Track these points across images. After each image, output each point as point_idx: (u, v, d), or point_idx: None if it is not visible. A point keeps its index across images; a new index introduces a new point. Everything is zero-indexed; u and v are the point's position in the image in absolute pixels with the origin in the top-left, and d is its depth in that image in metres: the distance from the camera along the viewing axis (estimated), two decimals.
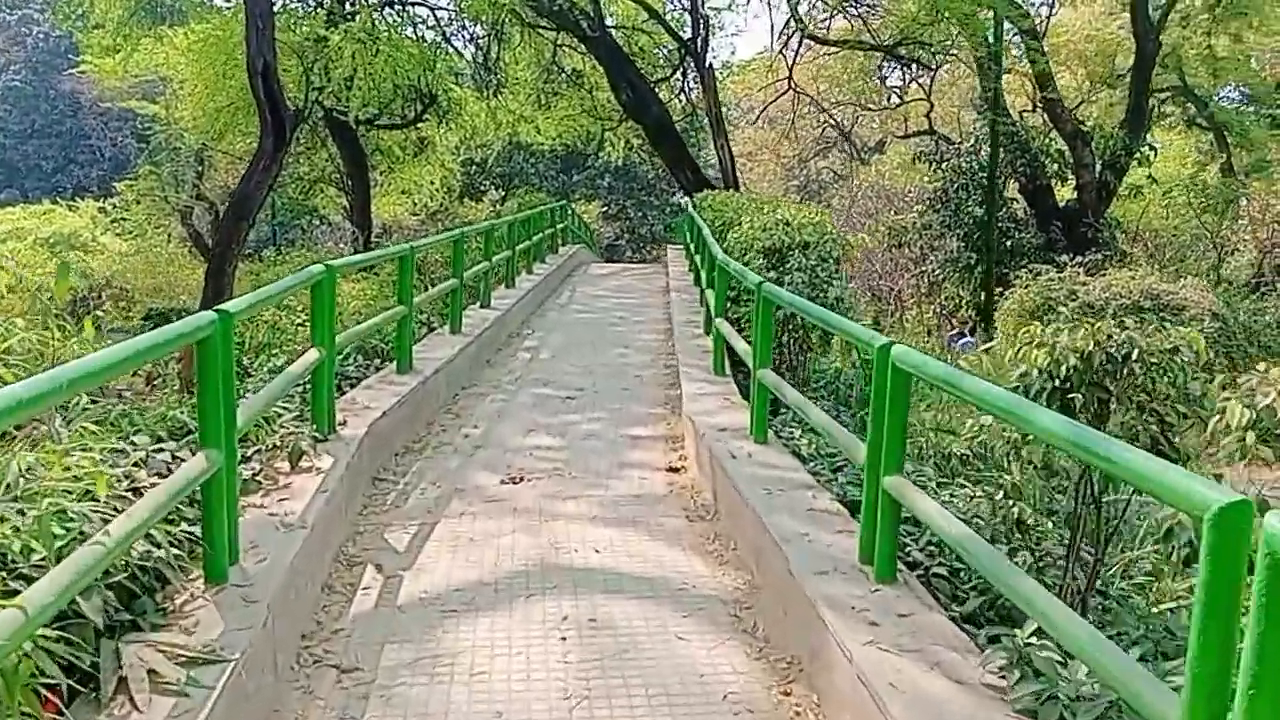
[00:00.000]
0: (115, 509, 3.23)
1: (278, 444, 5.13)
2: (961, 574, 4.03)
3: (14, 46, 49.15)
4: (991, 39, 17.32)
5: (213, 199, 32.44)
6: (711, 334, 7.68)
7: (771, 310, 5.64)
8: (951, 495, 4.92)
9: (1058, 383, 4.12)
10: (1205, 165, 29.51)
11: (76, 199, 40.78)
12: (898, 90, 36.59)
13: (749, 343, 6.95)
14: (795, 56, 21.41)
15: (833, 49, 22.69)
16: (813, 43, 21.75)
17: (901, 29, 17.97)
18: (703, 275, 10.92)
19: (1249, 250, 28.69)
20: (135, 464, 4.10)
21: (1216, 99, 29.84)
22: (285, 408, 5.76)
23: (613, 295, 15.64)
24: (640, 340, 11.20)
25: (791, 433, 6.13)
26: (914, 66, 21.68)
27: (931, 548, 4.20)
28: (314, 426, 5.46)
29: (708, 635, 3.93)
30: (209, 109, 27.05)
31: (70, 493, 3.28)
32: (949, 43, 20.37)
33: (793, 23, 20.24)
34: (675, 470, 6.19)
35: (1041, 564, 4.24)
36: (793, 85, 22.47)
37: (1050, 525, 4.58)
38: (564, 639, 3.85)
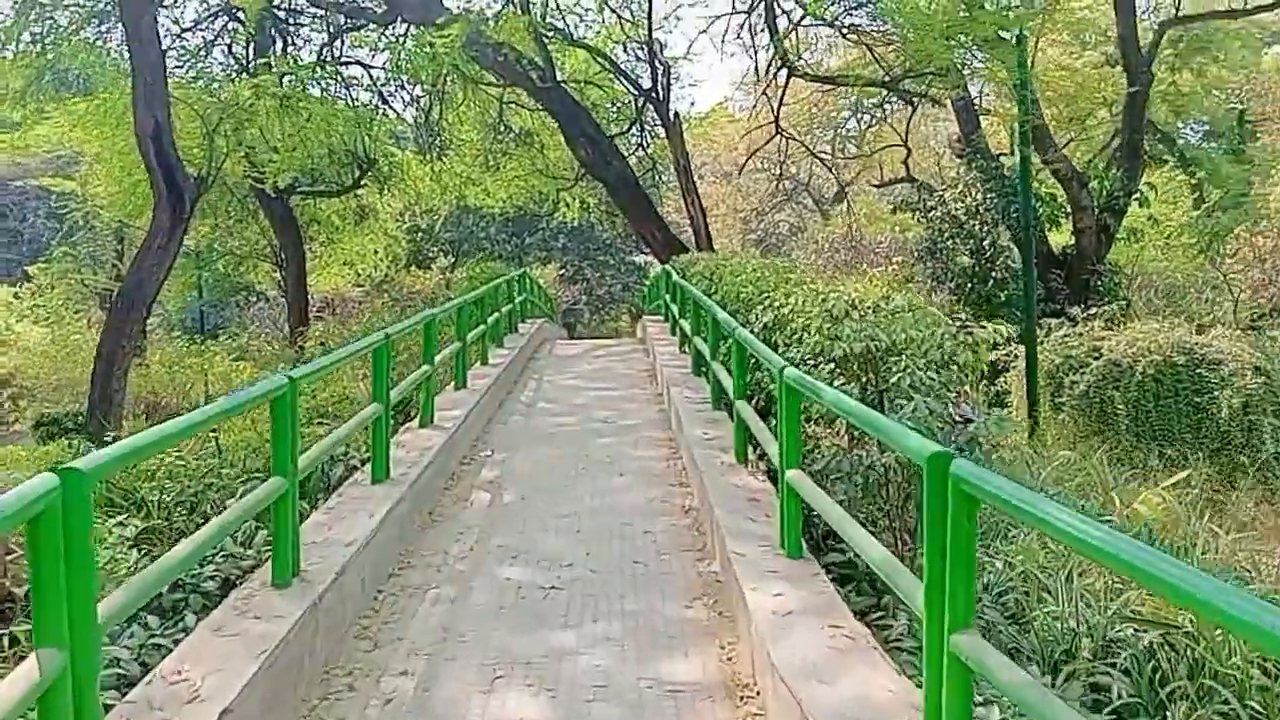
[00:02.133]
0: None
1: None
2: None
3: None
4: (1014, 67, 15.06)
5: None
6: (780, 493, 4.86)
7: (975, 513, 2.82)
8: None
9: None
10: (1183, 203, 28.31)
11: None
12: (853, 140, 34.83)
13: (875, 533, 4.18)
14: (781, 97, 18.97)
15: (826, 85, 20.39)
16: (807, 80, 19.39)
17: (914, 57, 15.66)
18: (722, 379, 8.19)
19: (1243, 291, 27.33)
20: None
21: (1179, 135, 29.28)
22: None
23: (588, 386, 12.82)
24: (638, 461, 8.36)
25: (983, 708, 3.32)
26: (915, 102, 19.41)
27: None
28: None
29: None
30: (124, 184, 24.61)
31: None
32: (943, 78, 18.17)
33: (775, 60, 17.85)
34: None
35: None
36: (780, 130, 20.06)
37: None
38: None
